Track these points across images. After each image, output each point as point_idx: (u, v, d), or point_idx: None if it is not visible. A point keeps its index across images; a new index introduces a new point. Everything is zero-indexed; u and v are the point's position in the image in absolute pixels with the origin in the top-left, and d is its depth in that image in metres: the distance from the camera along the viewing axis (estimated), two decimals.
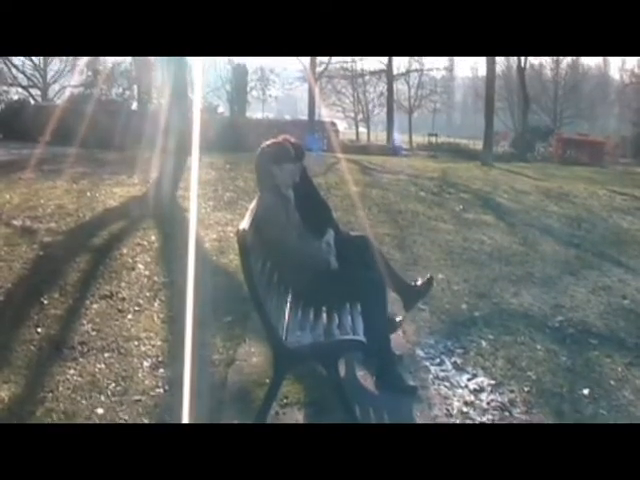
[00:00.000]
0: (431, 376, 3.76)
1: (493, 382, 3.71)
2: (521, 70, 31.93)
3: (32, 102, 25.93)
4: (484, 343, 4.26)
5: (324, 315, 3.51)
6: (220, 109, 32.38)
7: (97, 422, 3.09)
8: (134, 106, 25.25)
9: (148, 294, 4.88)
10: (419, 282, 4.10)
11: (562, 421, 3.28)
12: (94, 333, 4.14)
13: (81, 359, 3.77)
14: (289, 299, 3.59)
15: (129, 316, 4.45)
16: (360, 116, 50.94)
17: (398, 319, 4.04)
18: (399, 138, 28.83)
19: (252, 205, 3.56)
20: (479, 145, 26.08)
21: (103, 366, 3.69)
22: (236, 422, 3.05)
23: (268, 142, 3.69)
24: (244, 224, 3.05)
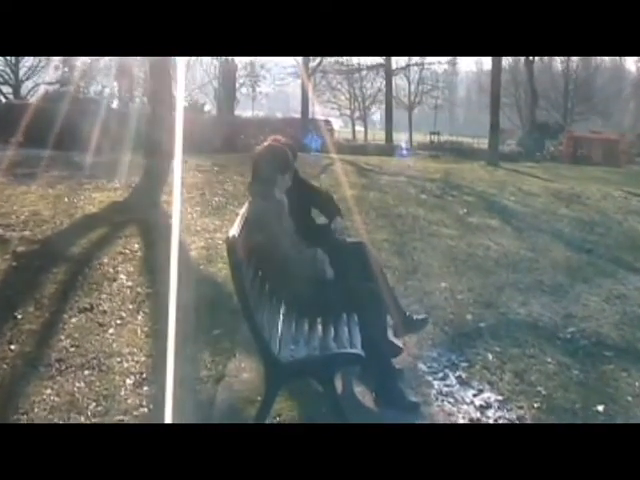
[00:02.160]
0: (434, 392, 3.78)
1: (500, 398, 3.73)
2: (529, 63, 32.13)
3: (3, 100, 25.94)
4: (490, 356, 4.28)
5: (319, 327, 3.53)
6: (207, 107, 32.41)
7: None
8: (114, 105, 25.31)
9: (131, 306, 4.89)
10: (415, 316, 4.27)
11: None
12: (73, 349, 4.14)
13: (59, 377, 3.77)
14: (282, 310, 3.61)
15: (110, 330, 4.46)
16: (357, 114, 51.11)
17: (400, 343, 4.08)
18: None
19: (242, 210, 3.58)
20: (484, 144, 26.22)
21: (82, 384, 3.69)
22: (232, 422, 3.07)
23: (264, 145, 3.74)
24: (234, 231, 3.07)
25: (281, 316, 3.56)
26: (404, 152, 27.91)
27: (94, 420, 3.32)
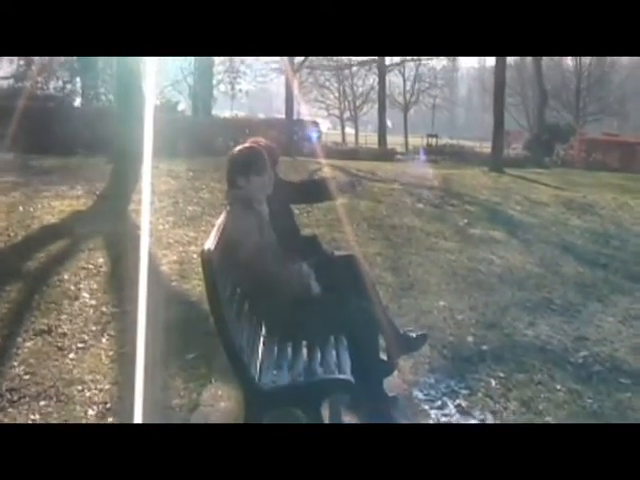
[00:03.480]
0: (431, 422, 3.79)
1: None
2: (537, 59, 32.36)
3: None
4: (494, 382, 4.30)
5: (304, 351, 3.54)
6: (181, 106, 32.41)
7: None
8: (77, 103, 25.24)
9: (94, 328, 4.87)
10: (412, 334, 4.25)
11: None
12: (27, 377, 4.11)
13: (10, 409, 3.74)
14: (263, 332, 3.62)
15: (71, 355, 4.44)
16: (347, 114, 51.35)
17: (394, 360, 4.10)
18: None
19: (219, 221, 3.59)
20: (487, 148, 26.38)
21: (38, 417, 3.67)
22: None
23: (239, 147, 3.74)
24: (210, 243, 3.08)
25: (262, 338, 3.57)
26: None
27: None
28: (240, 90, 45.11)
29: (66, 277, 5.90)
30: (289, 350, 3.53)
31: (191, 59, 35.19)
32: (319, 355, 3.44)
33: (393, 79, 47.83)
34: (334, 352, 3.43)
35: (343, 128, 51.49)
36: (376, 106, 41.04)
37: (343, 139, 45.83)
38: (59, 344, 4.59)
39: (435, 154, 31.94)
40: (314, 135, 26.03)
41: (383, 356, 3.98)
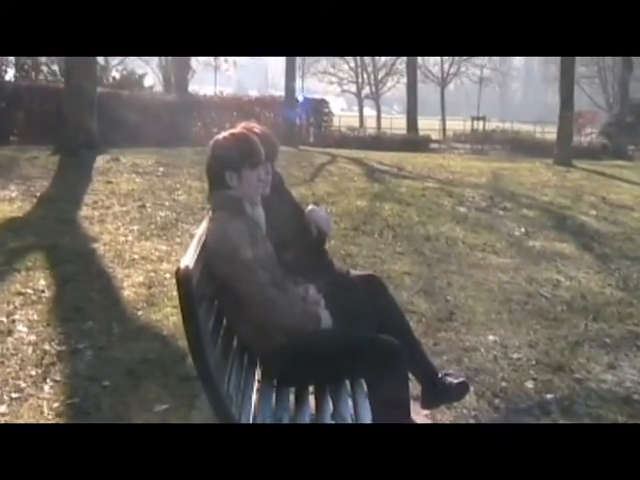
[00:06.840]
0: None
1: None
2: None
3: None
4: None
5: (311, 398, 3.56)
6: (148, 80, 32.62)
7: None
8: (9, 76, 25.44)
9: (34, 372, 4.88)
10: (451, 379, 4.19)
11: None
12: None
13: None
14: (257, 374, 3.63)
15: (2, 408, 4.45)
16: (366, 90, 51.48)
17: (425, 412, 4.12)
18: None
19: (200, 230, 3.61)
20: (551, 134, 26.40)
21: None
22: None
23: (225, 134, 3.75)
24: (187, 260, 3.09)
25: (256, 382, 3.59)
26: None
27: None
28: (226, 60, 45.29)
29: None
30: (291, 398, 3.54)
31: None
32: (330, 405, 3.45)
33: None
34: (350, 401, 3.45)
35: (361, 109, 51.63)
36: (404, 80, 41.17)
37: (361, 123, 45.88)
38: None
39: (482, 142, 31.99)
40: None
41: (414, 407, 3.99)
